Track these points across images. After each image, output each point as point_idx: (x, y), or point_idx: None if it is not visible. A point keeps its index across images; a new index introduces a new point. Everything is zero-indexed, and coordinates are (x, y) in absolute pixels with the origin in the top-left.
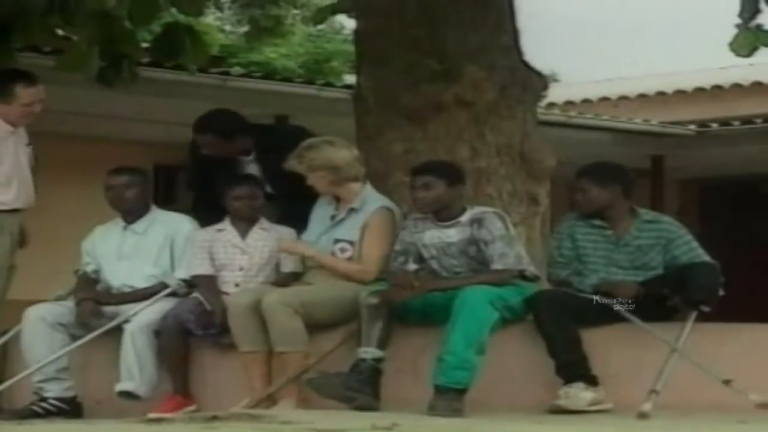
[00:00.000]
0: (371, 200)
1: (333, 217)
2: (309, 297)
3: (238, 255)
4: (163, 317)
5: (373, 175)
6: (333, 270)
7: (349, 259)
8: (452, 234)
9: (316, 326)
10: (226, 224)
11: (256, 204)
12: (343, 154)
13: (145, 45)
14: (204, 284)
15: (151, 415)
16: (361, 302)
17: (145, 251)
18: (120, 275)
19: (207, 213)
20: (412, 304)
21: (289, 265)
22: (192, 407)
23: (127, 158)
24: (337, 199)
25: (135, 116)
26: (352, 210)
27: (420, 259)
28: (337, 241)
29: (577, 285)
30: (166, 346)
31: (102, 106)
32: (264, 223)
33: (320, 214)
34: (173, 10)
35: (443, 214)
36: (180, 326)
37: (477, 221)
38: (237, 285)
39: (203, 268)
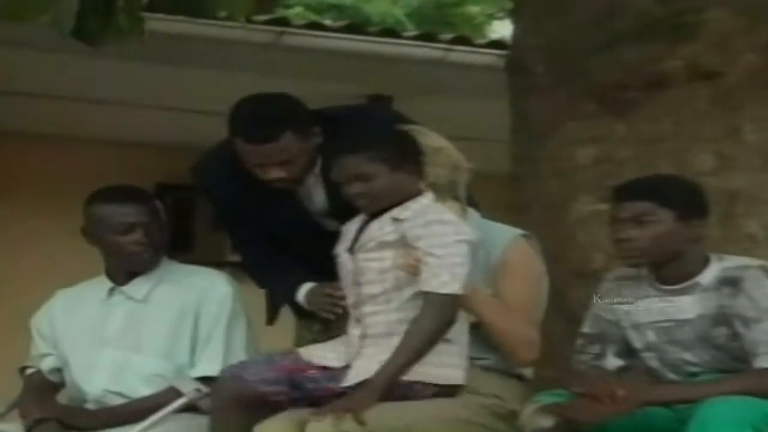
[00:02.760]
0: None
1: None
2: (385, 422)
3: None
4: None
5: (542, 199)
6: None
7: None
8: (686, 306)
9: None
10: None
11: None
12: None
13: None
14: None
15: None
16: (521, 425)
17: (149, 331)
18: (100, 376)
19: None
20: (612, 428)
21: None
22: None
23: (111, 171)
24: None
25: (124, 99)
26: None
27: (627, 351)
28: None
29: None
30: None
31: (71, 85)
32: None
33: None
34: None
35: (670, 271)
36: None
37: (730, 283)
38: None
39: None
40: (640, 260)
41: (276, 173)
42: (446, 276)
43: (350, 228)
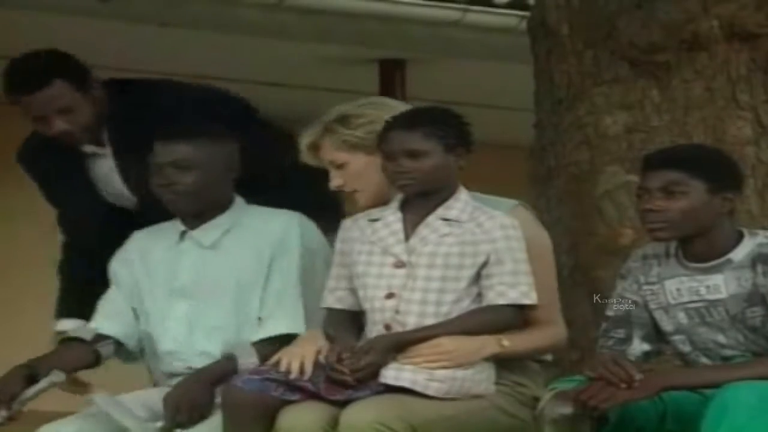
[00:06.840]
0: None
1: None
2: (424, 414)
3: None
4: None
5: (567, 170)
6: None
7: None
8: (718, 284)
9: None
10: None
11: None
12: None
13: None
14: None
15: None
16: (540, 415)
17: (217, 282)
18: (172, 329)
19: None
20: (637, 414)
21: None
22: None
23: None
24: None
25: (118, 64)
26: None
27: (655, 335)
28: None
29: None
30: None
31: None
32: None
33: None
34: None
35: (699, 247)
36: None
37: (765, 260)
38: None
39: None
40: (667, 233)
41: (58, 125)
42: (525, 286)
43: (386, 228)
